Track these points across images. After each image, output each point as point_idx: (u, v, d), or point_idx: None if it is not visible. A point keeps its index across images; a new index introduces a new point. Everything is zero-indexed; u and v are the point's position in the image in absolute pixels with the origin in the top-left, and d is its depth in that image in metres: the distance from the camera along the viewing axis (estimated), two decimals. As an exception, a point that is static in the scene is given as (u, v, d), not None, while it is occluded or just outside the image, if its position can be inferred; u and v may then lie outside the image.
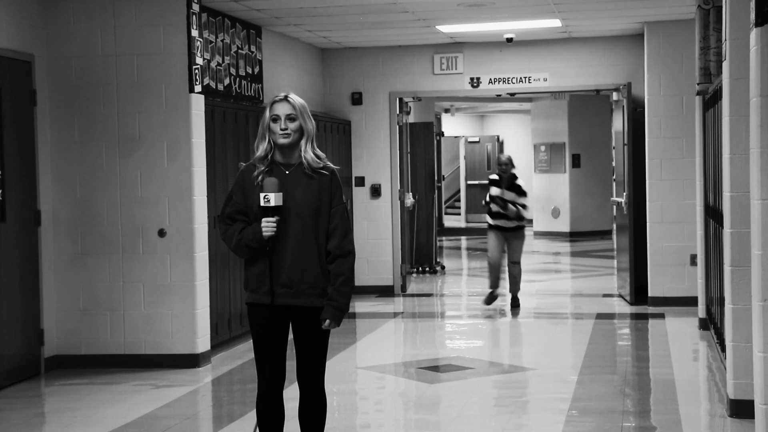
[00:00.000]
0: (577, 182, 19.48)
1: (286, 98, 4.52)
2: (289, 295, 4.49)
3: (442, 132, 20.57)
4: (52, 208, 7.94)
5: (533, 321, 10.50)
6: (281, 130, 4.50)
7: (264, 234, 4.43)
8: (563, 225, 19.52)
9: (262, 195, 4.44)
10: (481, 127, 25.80)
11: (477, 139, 24.78)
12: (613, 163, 13.54)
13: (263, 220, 4.44)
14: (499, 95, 12.76)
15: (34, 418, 6.60)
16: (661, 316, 10.07)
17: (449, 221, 23.66)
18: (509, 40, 11.38)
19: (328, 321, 4.48)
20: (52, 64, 7.93)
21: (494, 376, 7.53)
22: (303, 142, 4.53)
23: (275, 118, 4.50)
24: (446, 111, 21.89)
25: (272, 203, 4.42)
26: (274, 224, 4.43)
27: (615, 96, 11.74)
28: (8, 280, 7.40)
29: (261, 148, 4.54)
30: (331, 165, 4.60)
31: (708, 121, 8.64)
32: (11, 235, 7.44)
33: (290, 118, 4.50)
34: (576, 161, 19.51)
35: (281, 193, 4.44)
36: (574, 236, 19.23)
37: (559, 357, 8.48)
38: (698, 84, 8.64)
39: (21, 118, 7.61)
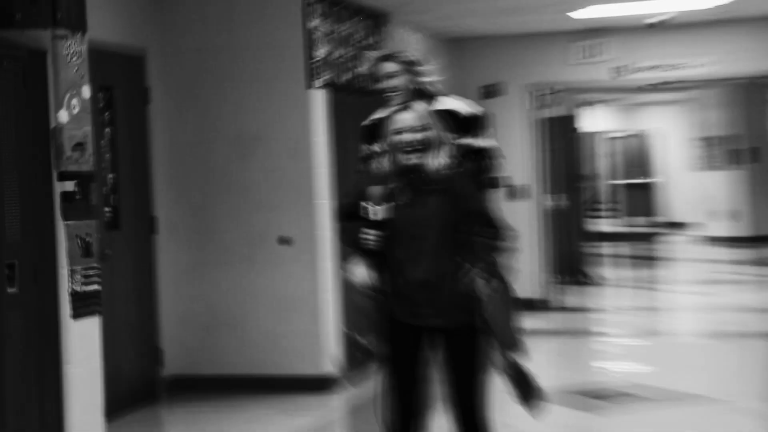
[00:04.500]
0: (757, 179, 17.73)
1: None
2: (429, 315, 4.03)
3: (582, 127, 19.59)
4: (167, 215, 7.49)
5: (706, 342, 9.37)
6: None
7: (363, 245, 4.10)
8: (742, 229, 17.57)
9: (367, 205, 4.10)
10: (628, 120, 24.20)
11: (626, 134, 23.39)
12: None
13: (362, 230, 4.09)
14: (652, 85, 11.81)
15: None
16: None
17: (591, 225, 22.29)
18: (654, 24, 10.42)
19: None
20: (166, 59, 7.50)
21: (668, 410, 6.55)
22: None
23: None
24: (587, 104, 20.88)
25: (378, 217, 4.07)
26: (376, 238, 4.04)
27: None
28: (123, 293, 6.95)
29: None
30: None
31: None
32: (126, 244, 7.02)
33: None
34: (755, 155, 17.75)
35: (389, 206, 4.06)
36: (756, 241, 17.11)
37: (741, 384, 7.37)
38: None
39: (134, 117, 7.22)
